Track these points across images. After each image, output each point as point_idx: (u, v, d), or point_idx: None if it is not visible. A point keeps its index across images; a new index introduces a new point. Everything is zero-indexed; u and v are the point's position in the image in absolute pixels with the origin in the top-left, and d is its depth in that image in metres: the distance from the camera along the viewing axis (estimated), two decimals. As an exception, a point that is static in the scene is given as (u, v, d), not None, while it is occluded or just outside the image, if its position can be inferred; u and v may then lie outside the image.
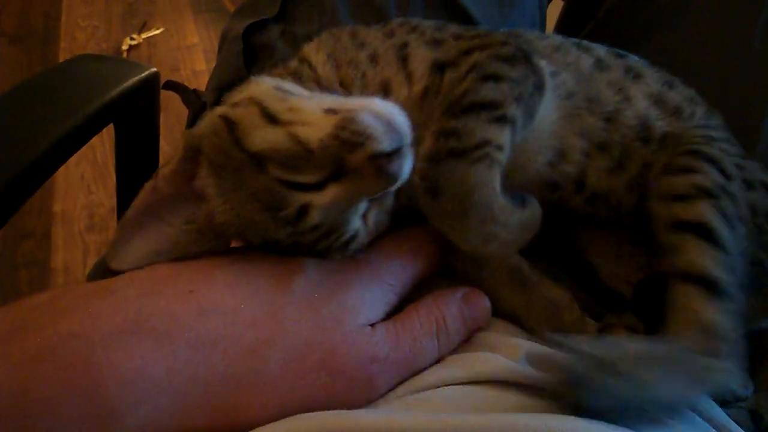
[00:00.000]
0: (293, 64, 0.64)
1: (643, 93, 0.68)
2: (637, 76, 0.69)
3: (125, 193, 1.02)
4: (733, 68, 0.88)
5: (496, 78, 0.57)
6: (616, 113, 0.66)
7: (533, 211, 0.56)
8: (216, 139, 0.51)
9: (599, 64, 0.69)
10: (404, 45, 0.62)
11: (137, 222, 0.52)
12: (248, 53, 0.82)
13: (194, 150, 0.53)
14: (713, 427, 0.51)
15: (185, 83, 0.91)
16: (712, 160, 0.62)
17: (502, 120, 0.55)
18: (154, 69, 0.94)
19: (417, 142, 0.52)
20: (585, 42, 0.72)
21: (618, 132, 0.66)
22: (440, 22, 0.68)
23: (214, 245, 0.54)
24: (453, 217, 0.52)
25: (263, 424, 0.45)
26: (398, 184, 0.49)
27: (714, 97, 0.85)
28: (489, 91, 0.56)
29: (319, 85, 0.60)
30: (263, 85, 0.54)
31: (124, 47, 2.79)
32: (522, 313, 0.59)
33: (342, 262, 0.53)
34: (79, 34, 2.89)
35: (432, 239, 0.57)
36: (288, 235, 0.50)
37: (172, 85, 0.85)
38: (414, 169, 0.50)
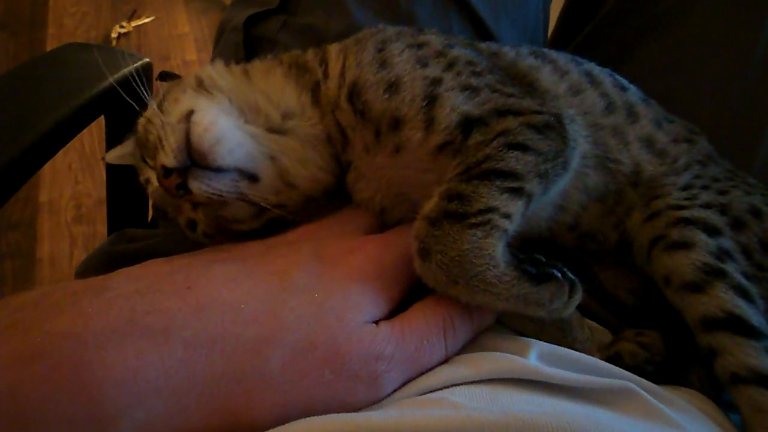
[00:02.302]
0: (309, 57, 0.63)
1: (637, 135, 0.68)
2: (635, 118, 0.69)
3: (115, 185, 0.99)
4: (734, 74, 0.87)
5: (524, 148, 0.54)
6: (616, 163, 0.66)
7: (552, 291, 0.51)
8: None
9: (610, 107, 0.67)
10: (437, 82, 0.57)
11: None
12: (247, 45, 0.80)
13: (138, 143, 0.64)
14: None
15: (176, 73, 0.89)
16: (702, 224, 0.62)
17: (517, 192, 0.52)
18: (147, 59, 0.92)
19: (417, 191, 0.57)
20: (594, 70, 0.71)
21: (615, 181, 0.66)
22: (474, 53, 0.63)
23: None
24: (443, 282, 0.50)
25: (264, 425, 0.43)
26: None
27: (714, 102, 0.85)
28: (512, 161, 0.53)
29: (314, 93, 0.60)
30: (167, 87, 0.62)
31: (114, 35, 2.74)
32: (532, 331, 0.58)
33: (344, 256, 0.52)
34: (68, 21, 2.84)
35: None
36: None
37: (166, 76, 0.83)
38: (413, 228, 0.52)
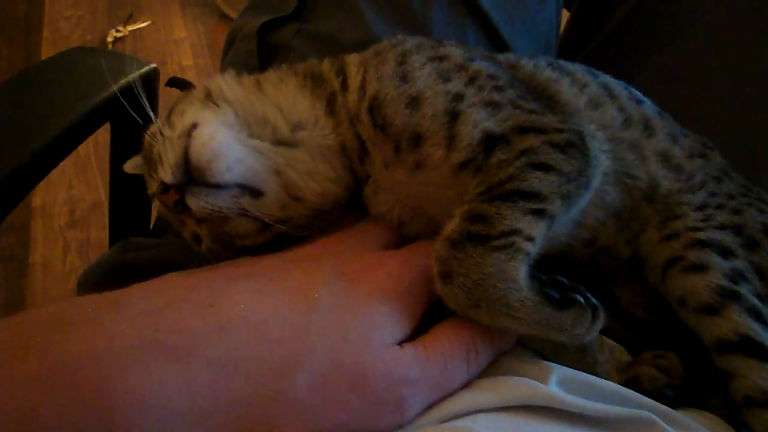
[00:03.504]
0: (325, 67, 0.62)
1: (654, 150, 0.67)
2: (651, 132, 0.68)
3: (120, 194, 0.97)
4: (744, 85, 0.87)
5: (546, 168, 0.53)
6: (634, 179, 0.65)
7: (575, 316, 0.50)
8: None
9: (627, 121, 0.67)
10: (459, 97, 0.56)
11: None
12: (260, 52, 0.79)
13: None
14: None
15: (186, 79, 0.87)
16: (717, 246, 0.62)
17: (540, 214, 0.51)
18: (153, 64, 0.90)
19: (437, 207, 0.57)
20: (610, 82, 0.70)
21: (631, 197, 0.65)
22: (495, 66, 0.62)
23: None
24: (465, 306, 0.49)
25: None
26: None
27: (723, 114, 0.85)
28: (535, 182, 0.52)
29: (329, 104, 0.59)
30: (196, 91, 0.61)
31: (110, 39, 2.72)
32: (552, 352, 0.57)
33: (364, 272, 0.51)
34: (63, 24, 2.81)
35: None
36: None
37: (176, 82, 0.81)
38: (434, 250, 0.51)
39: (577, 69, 0.69)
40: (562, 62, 0.70)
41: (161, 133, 0.55)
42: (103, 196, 2.20)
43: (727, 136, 0.80)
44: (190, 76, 2.66)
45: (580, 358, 0.58)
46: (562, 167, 0.54)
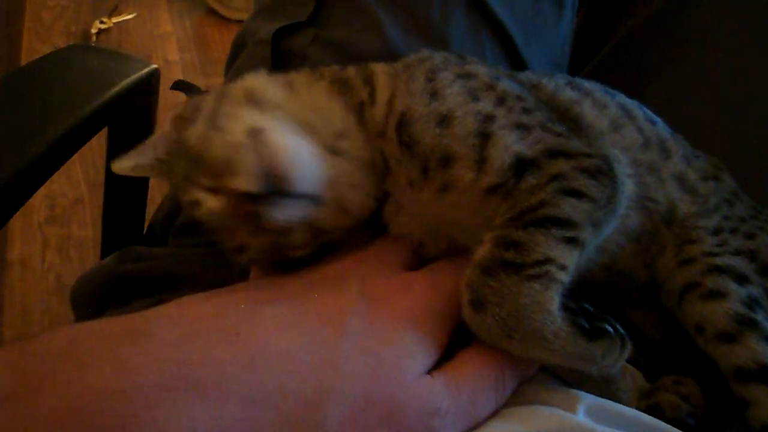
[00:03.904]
0: (351, 73, 0.60)
1: (671, 172, 0.66)
2: (668, 154, 0.67)
3: (115, 199, 0.94)
4: (753, 103, 0.86)
5: (579, 195, 0.52)
6: (654, 203, 0.64)
7: (605, 347, 0.49)
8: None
9: (645, 143, 0.66)
10: (490, 118, 0.54)
11: (145, 143, 0.59)
12: (273, 59, 0.76)
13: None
14: None
15: (193, 83, 0.85)
16: (733, 273, 0.61)
17: (573, 242, 0.50)
18: (155, 65, 0.87)
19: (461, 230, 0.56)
20: (627, 102, 0.69)
21: (651, 221, 0.64)
22: (520, 87, 0.61)
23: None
24: (497, 336, 0.47)
25: None
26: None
27: (732, 133, 0.85)
28: (568, 208, 0.51)
29: (362, 120, 0.57)
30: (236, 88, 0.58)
31: (94, 30, 2.66)
32: (576, 379, 0.56)
33: (391, 296, 0.50)
34: (46, 14, 2.74)
35: None
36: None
37: (181, 86, 0.78)
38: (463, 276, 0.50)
39: (595, 88, 0.68)
40: (579, 81, 0.69)
41: (226, 135, 0.52)
42: (85, 192, 2.15)
43: (739, 154, 0.79)
44: (175, 71, 2.61)
45: (604, 386, 0.57)
46: (593, 194, 0.52)
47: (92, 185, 2.16)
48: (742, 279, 0.61)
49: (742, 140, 0.84)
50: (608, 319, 0.51)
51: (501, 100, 0.56)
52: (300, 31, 0.77)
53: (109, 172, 0.93)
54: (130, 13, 2.79)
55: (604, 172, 0.55)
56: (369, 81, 0.59)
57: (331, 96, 0.58)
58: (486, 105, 0.55)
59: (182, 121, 0.58)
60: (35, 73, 0.80)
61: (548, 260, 0.48)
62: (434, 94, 0.55)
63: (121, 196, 0.97)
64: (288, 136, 0.52)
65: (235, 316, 0.44)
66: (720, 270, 0.61)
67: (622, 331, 0.50)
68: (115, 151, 0.89)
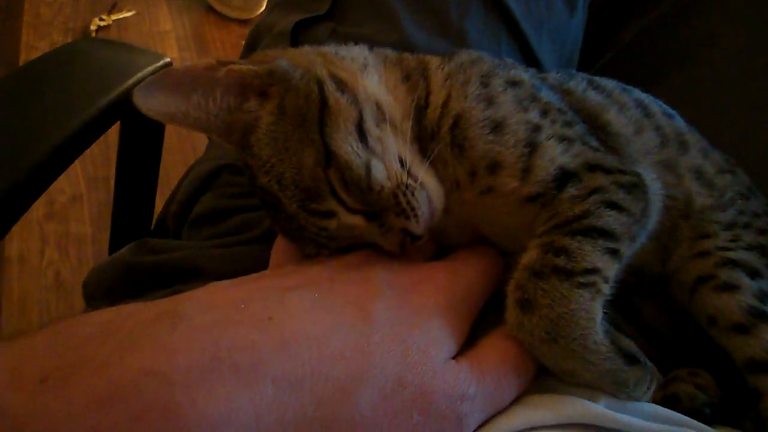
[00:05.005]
0: (412, 63, 0.61)
1: (688, 166, 0.68)
2: (685, 148, 0.68)
3: (124, 195, 0.94)
4: (760, 111, 0.87)
5: (619, 208, 0.54)
6: (673, 200, 0.65)
7: (639, 375, 0.50)
8: (303, 102, 0.54)
9: (664, 140, 0.67)
10: (537, 129, 0.56)
11: (180, 81, 0.53)
12: None
13: (275, 80, 0.55)
14: None
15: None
16: (745, 266, 0.62)
17: (614, 254, 0.52)
18: (167, 58, 0.87)
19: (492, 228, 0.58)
20: (643, 98, 0.70)
21: (670, 217, 0.65)
22: (557, 98, 0.62)
23: (223, 141, 0.57)
24: (540, 338, 0.48)
25: None
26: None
27: (739, 139, 0.85)
28: (611, 221, 0.53)
29: (417, 111, 0.58)
30: (371, 89, 0.56)
31: (93, 27, 2.65)
32: None
33: (415, 285, 0.51)
34: (45, 10, 2.73)
35: (499, 259, 0.57)
36: (300, 216, 0.54)
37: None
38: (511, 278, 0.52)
39: (614, 87, 0.69)
40: (597, 79, 0.70)
41: (404, 179, 0.54)
42: (84, 189, 2.15)
43: (743, 159, 0.80)
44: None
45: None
46: (630, 208, 0.54)
47: (91, 182, 2.15)
48: (754, 273, 0.62)
49: (747, 144, 0.85)
50: (640, 353, 0.52)
51: (545, 112, 0.58)
52: (318, 25, 0.78)
53: (119, 164, 0.93)
54: (129, 11, 2.78)
55: (638, 187, 0.57)
56: (426, 77, 0.60)
57: (406, 93, 0.59)
58: (534, 115, 0.57)
59: (255, 83, 0.55)
60: (50, 65, 0.80)
61: (595, 270, 0.50)
62: (490, 101, 0.57)
63: (131, 190, 0.97)
64: (435, 181, 0.56)
65: (266, 301, 0.44)
66: (734, 263, 0.62)
67: (650, 364, 0.52)
68: (127, 145, 0.90)
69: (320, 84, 0.55)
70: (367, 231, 0.54)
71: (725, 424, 0.60)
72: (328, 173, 0.52)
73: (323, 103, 0.54)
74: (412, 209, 0.52)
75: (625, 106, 0.67)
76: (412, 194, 0.53)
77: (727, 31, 0.91)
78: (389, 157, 0.53)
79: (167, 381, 0.36)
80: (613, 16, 1.03)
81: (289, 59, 0.57)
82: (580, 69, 0.97)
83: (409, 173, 0.53)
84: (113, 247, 0.98)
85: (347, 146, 0.52)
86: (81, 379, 0.35)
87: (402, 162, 0.54)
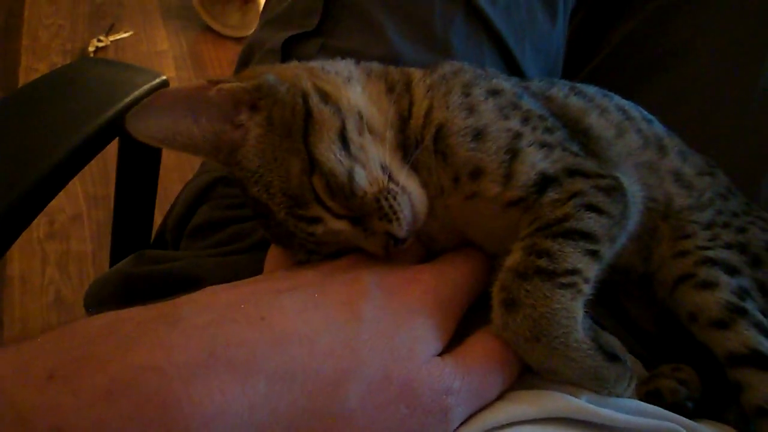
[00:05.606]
0: (396, 76, 0.63)
1: (667, 169, 0.70)
2: (664, 152, 0.71)
3: (124, 212, 0.96)
4: (738, 108, 0.90)
5: (599, 211, 0.56)
6: (654, 202, 0.67)
7: (619, 372, 0.52)
8: (289, 114, 0.56)
9: (644, 144, 0.69)
10: (518, 136, 0.58)
11: (174, 103, 0.55)
12: None
13: (263, 95, 0.57)
14: None
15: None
16: (724, 265, 0.64)
17: (595, 255, 0.54)
18: (164, 76, 0.90)
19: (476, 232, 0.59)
20: (624, 104, 0.73)
21: (651, 218, 0.67)
22: (539, 105, 0.64)
23: (214, 161, 0.59)
24: (524, 337, 0.50)
25: None
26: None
27: (727, 135, 0.87)
28: (591, 223, 0.55)
29: (401, 121, 0.60)
30: (354, 100, 0.58)
31: (91, 48, 2.69)
32: None
33: (403, 286, 0.53)
34: (43, 33, 2.78)
35: (485, 262, 0.59)
36: (289, 222, 0.56)
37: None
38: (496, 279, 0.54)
39: (595, 92, 0.72)
40: (579, 86, 0.72)
41: (387, 183, 0.56)
42: (84, 207, 2.17)
43: (731, 154, 0.82)
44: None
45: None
46: (610, 210, 0.56)
47: (91, 200, 2.18)
48: (732, 271, 0.64)
49: (734, 140, 0.88)
50: (621, 351, 0.55)
51: (526, 119, 0.60)
52: (308, 41, 0.81)
53: (119, 181, 0.95)
54: (126, 31, 2.83)
55: (617, 190, 0.59)
56: (409, 89, 0.63)
57: (389, 104, 0.62)
58: (515, 123, 0.59)
59: (245, 98, 0.57)
60: (51, 85, 0.83)
61: (576, 271, 0.52)
62: (471, 110, 0.59)
63: (130, 207, 0.99)
64: (419, 189, 0.58)
65: (259, 303, 0.46)
66: (712, 262, 0.64)
67: (629, 363, 0.54)
68: (126, 162, 0.92)
69: (305, 96, 0.57)
70: (352, 235, 0.56)
71: (709, 417, 0.62)
72: (313, 180, 0.55)
73: (308, 114, 0.56)
74: (395, 213, 0.54)
75: (606, 110, 0.69)
76: (394, 198, 0.55)
77: (709, 30, 0.93)
78: (371, 164, 0.55)
79: (166, 376, 0.38)
80: (598, 22, 1.05)
81: (276, 74, 0.59)
82: (567, 75, 1.00)
83: (390, 178, 0.55)
84: (113, 263, 1.00)
85: (330, 154, 0.54)
86: (86, 374, 0.37)
87: (384, 168, 0.56)
